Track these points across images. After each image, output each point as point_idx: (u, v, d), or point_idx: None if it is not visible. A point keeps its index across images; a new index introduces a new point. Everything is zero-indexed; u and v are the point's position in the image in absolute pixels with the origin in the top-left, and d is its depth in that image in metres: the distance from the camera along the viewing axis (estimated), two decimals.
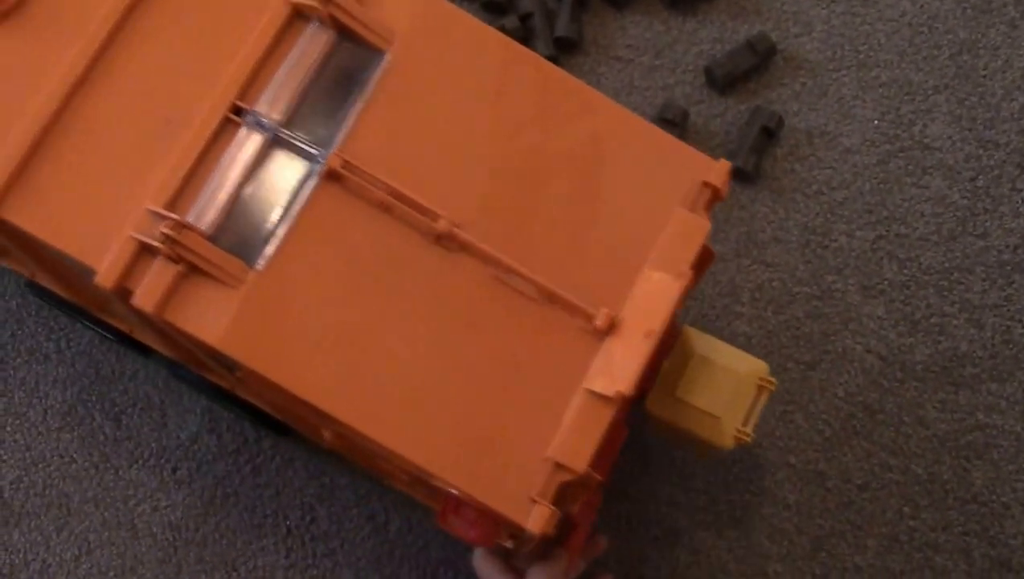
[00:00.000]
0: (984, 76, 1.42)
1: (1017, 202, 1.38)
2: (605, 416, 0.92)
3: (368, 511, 1.31)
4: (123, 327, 1.23)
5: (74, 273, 1.11)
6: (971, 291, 1.33)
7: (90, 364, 1.36)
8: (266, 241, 0.95)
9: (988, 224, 1.38)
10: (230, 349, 0.93)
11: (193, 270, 0.94)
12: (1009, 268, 1.35)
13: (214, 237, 0.94)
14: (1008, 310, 1.33)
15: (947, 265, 1.34)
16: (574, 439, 0.92)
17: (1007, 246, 1.37)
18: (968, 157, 1.40)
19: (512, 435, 0.93)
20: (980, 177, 1.39)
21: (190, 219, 0.94)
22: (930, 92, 1.41)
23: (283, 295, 0.94)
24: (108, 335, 1.28)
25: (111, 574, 1.30)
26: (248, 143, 0.97)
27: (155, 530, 1.31)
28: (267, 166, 0.96)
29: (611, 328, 0.93)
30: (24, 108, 0.97)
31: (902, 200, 1.39)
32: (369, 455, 1.10)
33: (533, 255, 0.95)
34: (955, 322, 1.32)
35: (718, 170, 0.97)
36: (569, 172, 0.97)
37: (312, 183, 0.95)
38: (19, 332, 1.36)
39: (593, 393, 0.92)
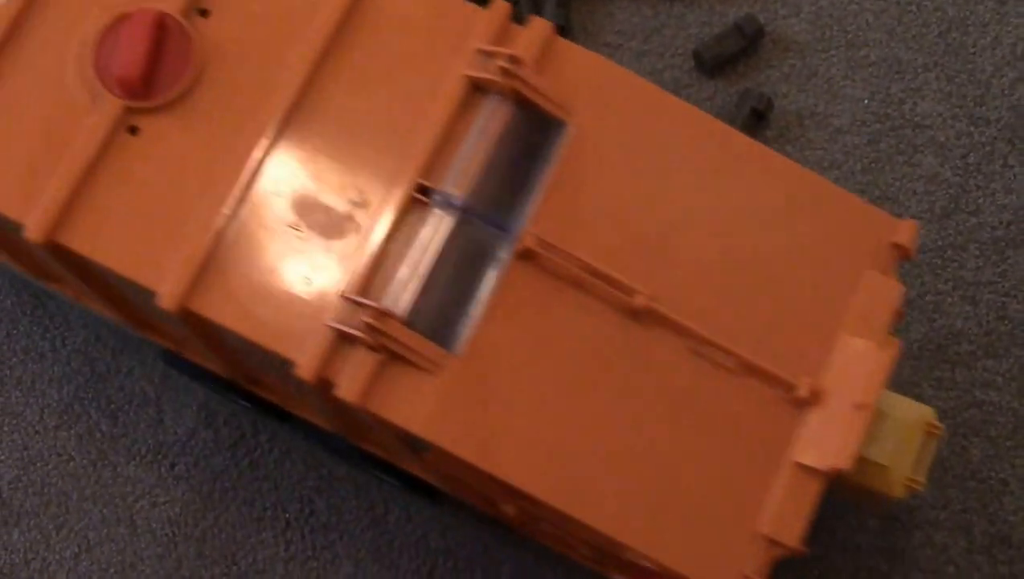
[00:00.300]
0: (973, 53, 1.45)
1: (1009, 178, 1.42)
2: (815, 489, 0.93)
3: (367, 502, 1.31)
4: (274, 399, 1.20)
5: (232, 351, 1.06)
6: (965, 268, 1.37)
7: (85, 362, 1.32)
8: (461, 324, 0.93)
9: (980, 201, 1.41)
10: (435, 437, 0.92)
11: (393, 358, 0.92)
12: (1003, 244, 1.38)
13: (410, 322, 0.92)
14: (1002, 286, 1.37)
15: (940, 243, 1.38)
16: (787, 513, 0.93)
17: (1000, 222, 1.40)
18: (959, 134, 1.43)
19: (717, 510, 0.94)
20: (971, 154, 1.42)
21: (385, 305, 0.91)
22: (920, 70, 1.44)
23: (482, 378, 0.93)
24: (248, 404, 1.24)
25: (111, 571, 1.28)
26: (437, 223, 0.95)
27: (154, 526, 1.30)
28: (457, 246, 0.94)
29: (813, 398, 0.95)
30: (201, 199, 0.95)
31: (894, 179, 1.41)
32: (555, 530, 1.10)
33: (727, 325, 0.95)
34: (949, 300, 1.37)
35: (906, 230, 0.99)
36: (757, 238, 0.98)
37: (504, 262, 0.94)
38: (14, 331, 1.32)
39: (802, 466, 0.94)
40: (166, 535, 1.30)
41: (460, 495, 1.19)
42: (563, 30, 1.36)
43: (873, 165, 1.41)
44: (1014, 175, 1.41)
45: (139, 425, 1.32)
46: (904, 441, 1.04)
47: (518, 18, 1.23)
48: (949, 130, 1.42)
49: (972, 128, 1.42)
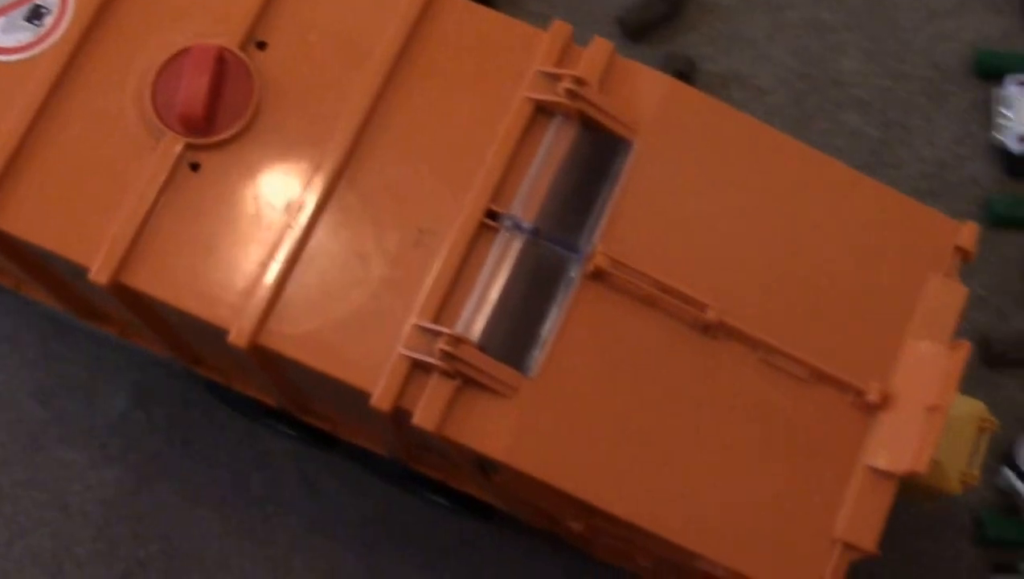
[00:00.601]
0: (893, 11, 1.47)
1: (929, 131, 1.44)
2: (889, 492, 0.94)
3: (302, 475, 1.32)
4: (325, 426, 1.21)
5: (294, 383, 1.07)
6: None
7: (15, 348, 1.33)
8: (534, 346, 0.94)
9: (902, 154, 1.43)
10: (515, 461, 0.92)
11: (468, 383, 0.92)
12: (924, 195, 1.40)
13: (483, 347, 0.93)
14: None
15: None
16: (862, 517, 0.94)
17: (921, 174, 1.43)
18: (880, 91, 1.45)
19: (791, 517, 0.94)
20: (892, 109, 1.44)
21: (459, 331, 0.92)
22: (841, 29, 1.45)
23: (558, 401, 0.93)
24: (298, 434, 1.26)
25: (46, 555, 1.29)
26: (506, 248, 0.95)
27: (88, 508, 1.30)
28: (527, 269, 0.95)
29: (883, 402, 0.95)
30: (266, 234, 0.95)
31: (817, 136, 1.43)
32: (619, 544, 1.10)
33: (796, 335, 0.96)
34: None
35: (967, 233, 1.00)
36: (822, 247, 0.99)
37: (574, 282, 0.94)
38: None
39: (875, 470, 0.94)
40: (99, 517, 1.31)
41: (519, 513, 1.20)
42: (489, 1, 1.36)
43: (797, 123, 1.42)
44: (934, 128, 1.43)
45: (70, 409, 1.33)
46: (958, 436, 1.06)
47: None
48: (870, 87, 1.45)
49: (892, 84, 1.45)
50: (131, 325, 1.18)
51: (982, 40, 1.45)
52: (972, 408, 1.07)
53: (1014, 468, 1.26)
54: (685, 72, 1.37)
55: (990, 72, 1.43)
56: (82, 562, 1.30)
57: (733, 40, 1.44)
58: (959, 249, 0.99)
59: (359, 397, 0.93)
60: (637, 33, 1.42)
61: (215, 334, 0.94)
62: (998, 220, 1.39)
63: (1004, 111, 1.39)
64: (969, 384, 1.14)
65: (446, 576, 1.31)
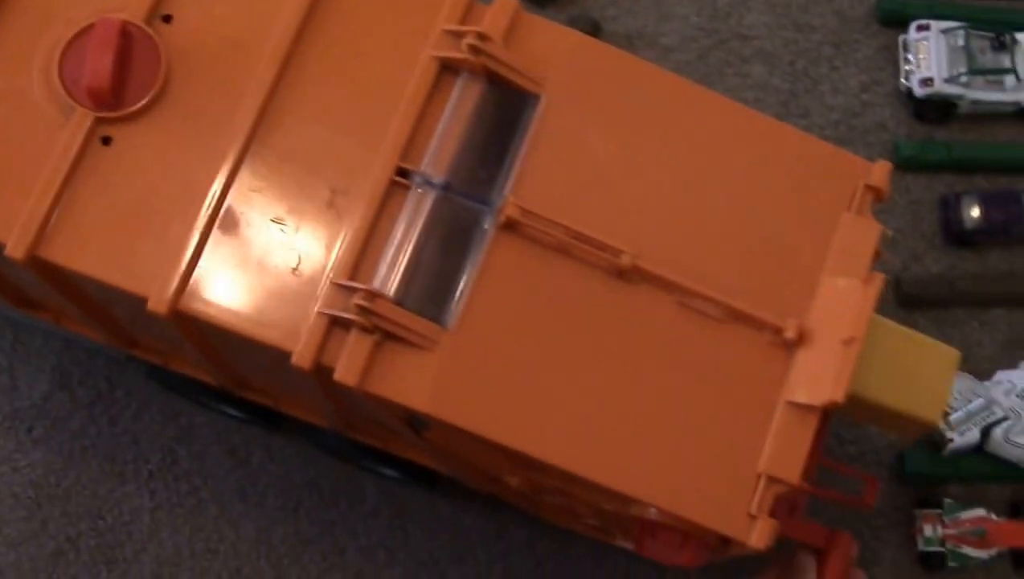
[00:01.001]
0: None
1: (835, 80, 1.47)
2: (811, 425, 0.96)
3: (228, 446, 1.35)
4: (267, 401, 1.23)
5: (224, 353, 1.08)
6: None
7: None
8: (451, 298, 0.95)
9: (809, 104, 1.46)
10: (438, 411, 0.93)
11: (388, 338, 0.94)
12: (833, 142, 1.37)
13: (400, 301, 0.94)
14: None
15: None
16: (784, 451, 0.95)
17: (829, 122, 1.46)
18: (786, 42, 1.48)
19: (717, 455, 0.96)
20: (798, 60, 1.47)
21: (375, 286, 0.93)
22: None
23: (477, 351, 0.95)
24: (241, 415, 1.29)
25: None
26: (419, 204, 0.97)
27: (16, 490, 1.33)
28: (440, 223, 0.96)
29: (801, 338, 0.97)
30: (181, 203, 0.96)
31: (725, 90, 1.44)
32: (560, 500, 1.11)
33: (712, 276, 0.97)
34: None
35: (878, 172, 1.01)
36: (734, 190, 1.00)
37: (487, 234, 0.96)
38: None
39: (796, 404, 0.96)
40: (29, 498, 1.34)
41: (461, 476, 1.22)
42: None
43: (705, 79, 1.44)
44: (840, 77, 1.46)
45: None
46: (941, 370, 1.07)
47: None
48: (775, 39, 1.47)
49: (798, 35, 1.48)
50: (65, 312, 1.19)
51: None
52: (947, 349, 1.07)
53: None
54: (590, 33, 1.37)
55: (893, 19, 1.46)
56: (14, 542, 1.32)
57: (637, 0, 1.45)
58: (871, 188, 1.01)
59: (284, 360, 0.94)
60: None
61: (139, 307, 0.95)
62: (907, 163, 1.42)
63: (908, 57, 1.41)
64: None
65: (374, 536, 1.34)
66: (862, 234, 1.00)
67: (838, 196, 1.01)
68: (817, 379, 0.95)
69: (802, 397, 0.96)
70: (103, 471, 1.34)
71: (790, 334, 0.96)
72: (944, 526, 1.31)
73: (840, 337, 0.95)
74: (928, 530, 1.32)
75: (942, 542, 1.32)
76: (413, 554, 1.35)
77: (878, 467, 1.34)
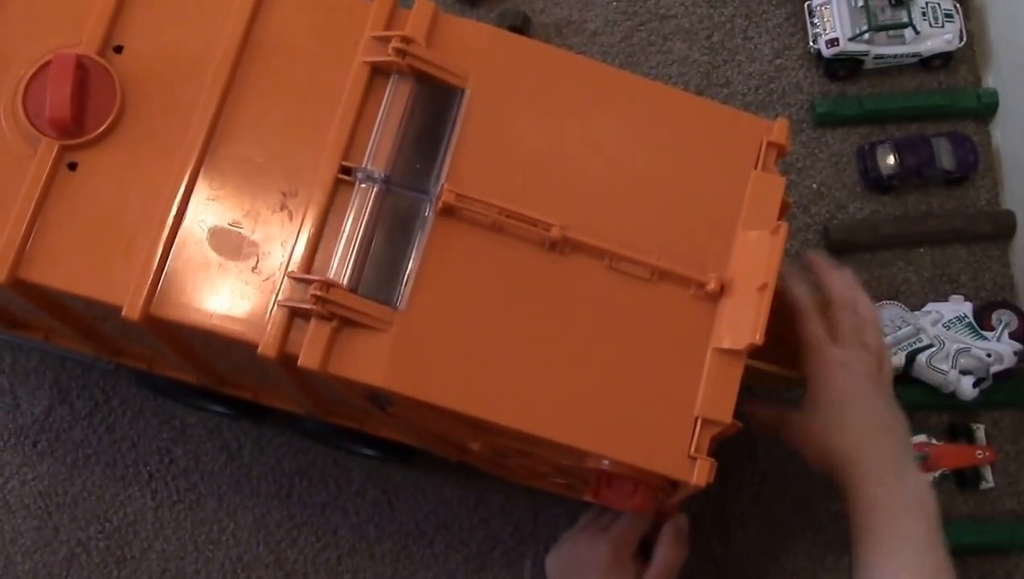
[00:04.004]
0: None
1: (751, 49, 1.56)
2: (738, 368, 1.04)
3: (221, 442, 1.43)
4: (247, 395, 1.30)
5: (201, 352, 1.16)
6: None
7: None
8: (400, 281, 1.03)
9: (729, 73, 1.55)
10: (394, 386, 1.01)
11: (345, 323, 1.02)
12: (754, 108, 1.52)
13: (354, 289, 1.02)
14: None
15: None
16: (716, 394, 1.03)
17: (749, 89, 1.54)
18: (701, 18, 1.56)
19: (656, 404, 1.04)
20: (715, 33, 1.56)
21: (329, 276, 1.01)
22: None
23: (427, 327, 1.03)
24: (226, 411, 1.37)
25: None
26: (364, 198, 1.04)
27: (27, 501, 1.41)
28: (384, 214, 1.04)
29: (723, 290, 1.05)
30: (145, 216, 1.04)
31: (650, 67, 1.54)
32: (523, 462, 1.19)
33: (636, 240, 1.05)
34: None
35: (778, 128, 1.09)
36: (650, 159, 1.08)
37: (428, 220, 1.04)
38: None
39: (723, 350, 1.04)
40: (39, 508, 1.42)
41: (431, 446, 1.29)
42: None
43: (630, 59, 1.54)
44: (754, 45, 1.55)
45: None
46: None
47: None
48: (692, 16, 1.56)
49: (712, 10, 1.57)
50: (53, 329, 1.27)
51: None
52: None
53: None
54: (519, 26, 1.47)
55: None
56: (29, 551, 1.40)
57: None
58: (773, 144, 1.09)
59: (253, 352, 1.02)
60: None
61: (116, 315, 1.02)
62: (824, 120, 1.50)
63: (814, 21, 1.49)
64: None
65: (363, 514, 1.42)
66: (768, 188, 1.08)
67: (745, 156, 1.09)
68: (739, 325, 1.03)
69: (727, 343, 1.04)
70: (106, 476, 1.42)
71: (712, 287, 1.04)
72: None
73: (755, 285, 1.03)
74: None
75: None
76: (401, 527, 1.43)
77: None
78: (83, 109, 1.04)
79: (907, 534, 1.13)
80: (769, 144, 1.08)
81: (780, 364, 1.22)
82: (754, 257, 1.04)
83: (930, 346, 1.37)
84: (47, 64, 1.05)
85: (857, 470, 1.17)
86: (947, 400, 1.41)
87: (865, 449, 1.17)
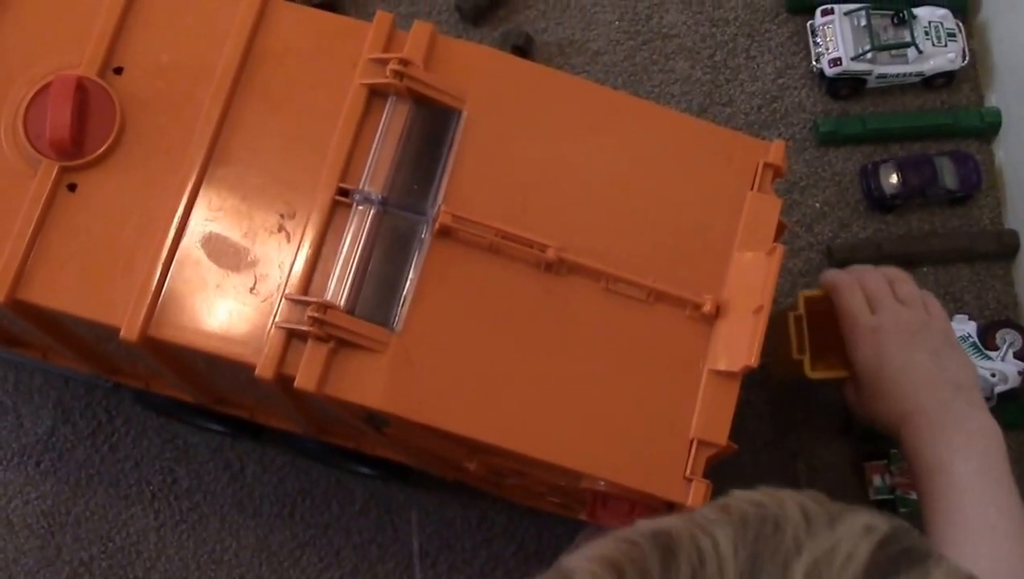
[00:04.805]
0: None
1: (753, 68, 1.55)
2: (733, 390, 1.04)
3: (224, 462, 1.43)
4: (244, 414, 1.31)
5: (198, 372, 1.16)
6: None
7: None
8: (397, 303, 1.03)
9: (732, 92, 1.54)
10: (391, 407, 1.02)
11: (342, 344, 1.02)
12: (757, 127, 1.51)
13: (351, 310, 1.02)
14: None
15: None
16: (711, 416, 1.03)
17: (752, 108, 1.54)
18: (704, 37, 1.56)
19: (652, 426, 1.04)
20: (717, 53, 1.55)
21: (326, 298, 1.02)
22: None
23: (424, 349, 1.03)
24: (224, 430, 1.37)
25: None
26: (361, 219, 1.05)
27: (30, 521, 1.41)
28: (382, 235, 1.05)
29: (718, 311, 1.05)
30: (144, 238, 1.04)
31: (653, 87, 1.54)
32: (519, 481, 1.19)
33: (632, 262, 1.05)
34: None
35: (775, 150, 1.09)
36: (646, 180, 1.08)
37: (425, 241, 1.04)
38: None
39: (719, 372, 1.04)
40: (42, 527, 1.41)
41: (427, 466, 1.29)
42: (331, 6, 1.47)
43: (632, 78, 1.53)
44: (757, 64, 1.54)
45: (1, 433, 1.43)
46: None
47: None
48: (694, 35, 1.55)
49: (714, 29, 1.56)
50: (51, 347, 1.27)
51: None
52: None
53: None
54: (523, 46, 1.47)
55: (799, 7, 1.54)
56: (32, 571, 1.40)
57: (563, 11, 1.54)
58: (770, 165, 1.09)
59: (250, 373, 1.02)
60: (475, 16, 1.51)
61: (115, 336, 1.03)
62: (827, 139, 1.50)
63: (817, 40, 1.49)
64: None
65: (366, 534, 1.42)
66: (765, 209, 1.08)
67: (742, 177, 1.09)
68: (734, 347, 1.04)
69: (723, 365, 1.04)
70: (109, 496, 1.42)
71: (708, 308, 1.04)
72: (891, 475, 1.38)
73: (751, 307, 1.03)
74: (877, 480, 1.39)
75: (892, 490, 1.39)
76: (404, 547, 1.42)
77: (827, 429, 1.43)
78: (83, 131, 1.05)
79: (968, 488, 1.13)
80: (766, 165, 1.08)
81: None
82: (750, 279, 1.05)
83: None
84: (47, 85, 1.06)
85: (907, 431, 1.18)
86: None
87: (911, 406, 1.18)
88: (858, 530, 0.59)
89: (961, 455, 1.14)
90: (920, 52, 1.47)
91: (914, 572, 0.57)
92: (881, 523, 0.60)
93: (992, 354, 1.40)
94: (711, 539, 0.59)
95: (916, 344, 1.18)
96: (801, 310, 1.26)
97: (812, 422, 1.41)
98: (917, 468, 1.14)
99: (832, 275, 1.25)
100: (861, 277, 1.25)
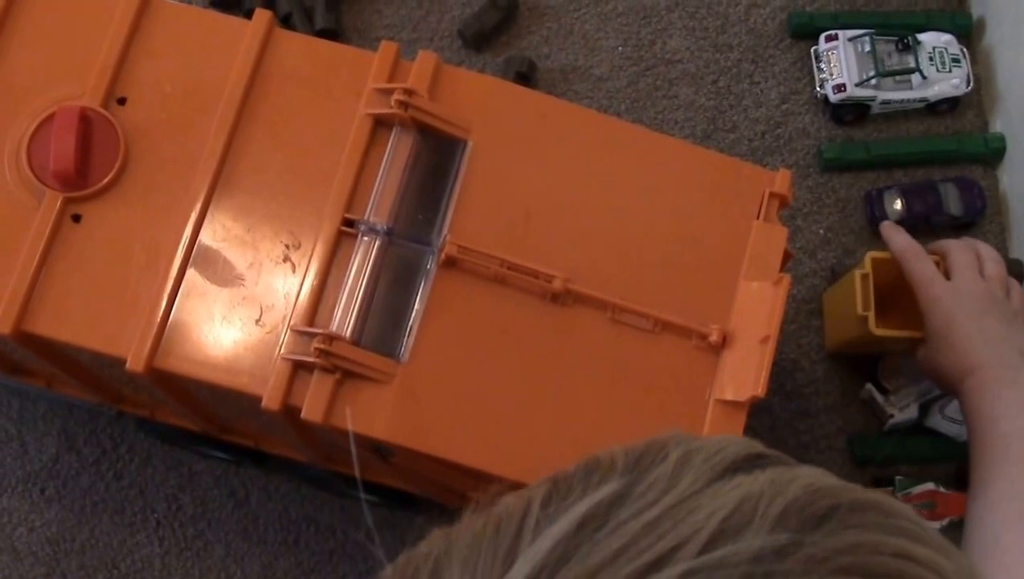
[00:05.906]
0: None
1: (757, 93, 1.54)
2: (740, 420, 1.03)
3: (228, 489, 1.42)
4: (249, 442, 1.30)
5: (204, 402, 1.16)
6: None
7: None
8: (402, 333, 1.03)
9: (736, 118, 1.53)
10: (397, 438, 1.02)
11: (347, 375, 1.02)
12: (761, 153, 1.51)
13: (356, 341, 1.02)
14: None
15: None
16: None
17: (756, 134, 1.53)
18: (707, 63, 1.55)
19: None
20: (721, 78, 1.54)
21: (332, 329, 1.02)
22: (664, 12, 1.55)
23: (429, 379, 1.03)
24: (229, 457, 1.37)
25: None
26: (367, 250, 1.05)
27: (35, 548, 1.40)
28: (387, 266, 1.05)
29: (725, 341, 1.05)
30: (149, 269, 1.04)
31: (656, 113, 1.53)
32: None
33: (639, 292, 1.05)
34: None
35: (780, 179, 1.09)
36: (652, 210, 1.08)
37: (431, 272, 1.04)
38: None
39: (725, 401, 1.04)
40: (47, 555, 1.41)
41: (431, 494, 1.29)
42: (334, 33, 1.47)
43: (636, 104, 1.53)
44: (760, 90, 1.54)
45: (5, 460, 1.43)
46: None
47: (287, 23, 1.33)
48: (698, 61, 1.55)
49: (718, 55, 1.55)
50: (56, 376, 1.27)
51: (793, 4, 1.55)
52: None
53: (876, 384, 1.36)
54: (526, 72, 1.47)
55: (803, 32, 1.53)
56: None
57: (566, 37, 1.54)
58: (775, 195, 1.09)
59: (256, 404, 1.02)
60: (478, 43, 1.51)
61: (120, 366, 1.03)
62: (831, 165, 1.49)
63: (821, 66, 1.49)
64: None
65: (371, 562, 1.37)
66: (771, 239, 1.08)
67: (748, 206, 1.08)
68: (741, 377, 1.03)
69: (729, 394, 1.03)
70: (114, 523, 1.41)
71: (714, 338, 1.04)
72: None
73: (757, 337, 1.03)
74: None
75: None
76: None
77: (830, 452, 1.41)
78: (87, 161, 1.05)
79: (1019, 438, 1.16)
80: (771, 195, 1.08)
81: (910, 327, 1.26)
82: (756, 308, 1.04)
83: (943, 395, 1.36)
84: (51, 116, 1.06)
85: (969, 384, 1.20)
86: (959, 450, 1.38)
87: (978, 360, 1.20)
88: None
89: (1016, 410, 1.17)
90: (924, 78, 1.47)
91: (781, 466, 0.57)
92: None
93: None
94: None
95: (991, 311, 1.20)
96: (868, 269, 1.27)
97: (817, 445, 1.39)
98: (973, 421, 1.17)
99: (899, 241, 1.28)
100: (951, 246, 1.28)
